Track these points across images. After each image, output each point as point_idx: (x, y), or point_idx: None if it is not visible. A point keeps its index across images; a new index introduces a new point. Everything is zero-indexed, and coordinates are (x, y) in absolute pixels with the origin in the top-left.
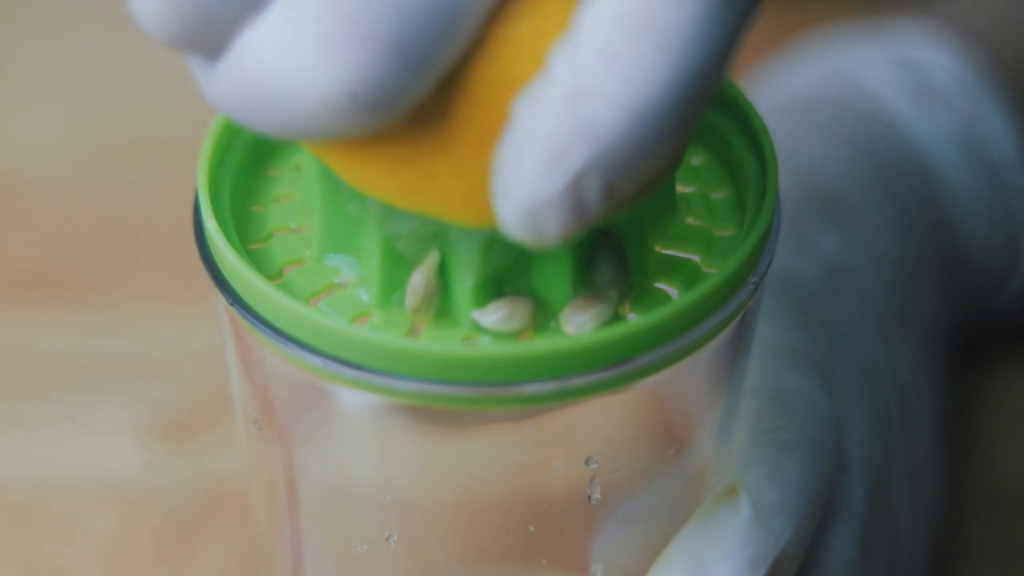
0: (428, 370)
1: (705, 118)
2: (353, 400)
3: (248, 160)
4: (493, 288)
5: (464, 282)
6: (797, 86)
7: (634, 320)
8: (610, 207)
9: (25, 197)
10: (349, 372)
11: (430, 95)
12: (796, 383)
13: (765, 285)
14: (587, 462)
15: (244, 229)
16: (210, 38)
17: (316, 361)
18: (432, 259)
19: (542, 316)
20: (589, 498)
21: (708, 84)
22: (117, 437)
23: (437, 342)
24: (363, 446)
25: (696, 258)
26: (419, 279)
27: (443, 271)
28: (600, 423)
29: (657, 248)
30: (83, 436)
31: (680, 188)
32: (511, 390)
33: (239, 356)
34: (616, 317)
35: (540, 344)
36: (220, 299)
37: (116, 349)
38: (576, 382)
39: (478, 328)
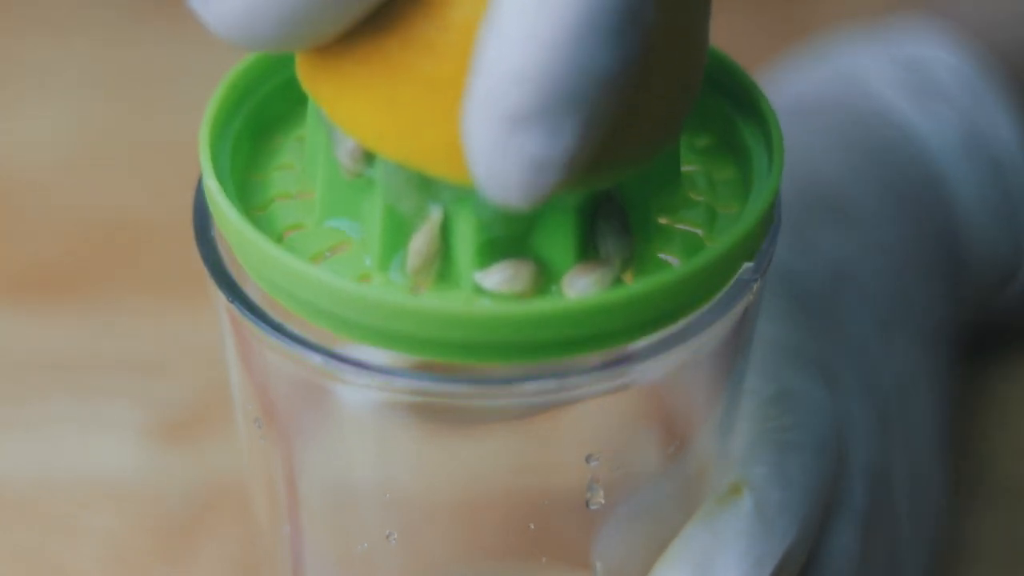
0: (430, 328)
1: (711, 102)
2: (353, 398)
3: (250, 134)
4: (495, 250)
5: (466, 243)
6: (801, 88)
7: (636, 284)
8: (575, 162)
9: (25, 197)
10: (349, 369)
11: (422, 34)
12: (799, 383)
13: (766, 282)
14: (587, 460)
15: (245, 199)
16: None
17: (316, 358)
18: (435, 219)
19: (544, 280)
20: (589, 496)
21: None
22: (117, 437)
23: (439, 301)
24: (363, 444)
25: (699, 231)
26: (421, 239)
27: (445, 232)
28: (600, 421)
29: (660, 220)
30: (83, 436)
31: (684, 167)
32: (512, 387)
33: (239, 355)
34: (618, 283)
35: (541, 304)
36: (220, 297)
37: (116, 349)
38: (575, 378)
39: (479, 290)
